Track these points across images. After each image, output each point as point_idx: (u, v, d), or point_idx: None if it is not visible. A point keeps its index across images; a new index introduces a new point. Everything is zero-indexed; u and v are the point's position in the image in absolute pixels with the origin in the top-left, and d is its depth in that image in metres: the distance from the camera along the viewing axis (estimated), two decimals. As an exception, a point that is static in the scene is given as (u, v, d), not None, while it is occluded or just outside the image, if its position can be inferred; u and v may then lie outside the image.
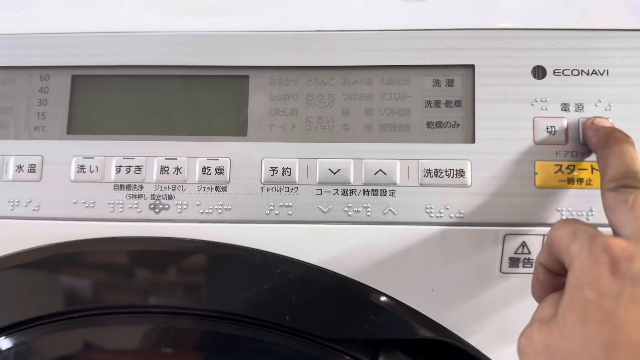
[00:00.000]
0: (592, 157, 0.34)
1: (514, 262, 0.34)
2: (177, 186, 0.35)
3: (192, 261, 0.36)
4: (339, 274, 0.35)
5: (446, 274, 0.35)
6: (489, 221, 0.34)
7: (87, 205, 0.35)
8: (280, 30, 0.36)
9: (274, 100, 0.36)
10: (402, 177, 0.34)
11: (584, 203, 0.34)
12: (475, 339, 0.36)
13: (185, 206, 0.35)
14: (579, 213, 0.34)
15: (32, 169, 0.36)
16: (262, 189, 0.35)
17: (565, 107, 0.35)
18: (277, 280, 0.35)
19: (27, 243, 0.36)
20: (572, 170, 0.34)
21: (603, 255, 0.23)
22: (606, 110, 0.34)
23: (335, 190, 0.35)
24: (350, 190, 0.35)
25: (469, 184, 0.34)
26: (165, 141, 0.36)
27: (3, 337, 0.38)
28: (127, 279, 0.36)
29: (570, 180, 0.34)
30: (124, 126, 0.36)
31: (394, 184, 0.34)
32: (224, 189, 0.35)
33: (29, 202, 0.36)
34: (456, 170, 0.34)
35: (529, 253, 0.34)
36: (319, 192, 0.35)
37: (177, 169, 0.35)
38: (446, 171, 0.34)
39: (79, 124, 0.37)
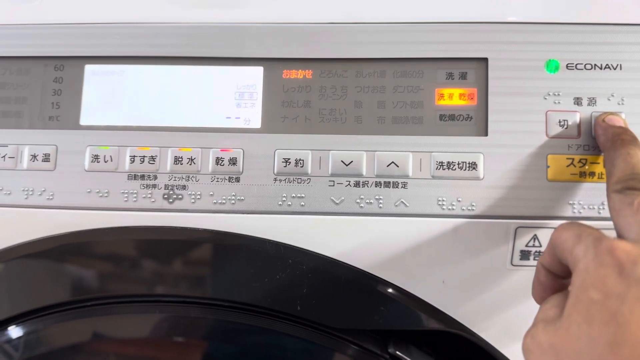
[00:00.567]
0: (605, 151, 0.34)
1: (525, 255, 0.35)
2: (190, 176, 0.36)
3: (205, 251, 0.36)
4: (351, 265, 0.35)
5: (457, 266, 0.35)
6: (500, 214, 0.34)
7: (101, 194, 0.36)
8: (293, 22, 0.37)
9: (287, 92, 0.36)
10: (415, 170, 0.35)
11: (595, 197, 0.34)
12: (485, 332, 0.36)
13: (198, 196, 0.35)
14: (591, 207, 0.34)
15: (46, 158, 0.36)
16: (275, 180, 0.35)
17: (577, 101, 0.35)
18: (289, 271, 0.35)
19: (41, 232, 0.36)
20: (584, 164, 0.34)
21: (608, 257, 0.23)
22: (619, 104, 0.34)
23: (348, 182, 0.35)
24: (363, 182, 0.35)
25: (482, 176, 0.34)
26: (179, 132, 0.36)
27: (14, 326, 0.38)
28: (139, 268, 0.37)
29: (583, 174, 0.34)
30: (138, 117, 0.37)
31: (406, 176, 0.35)
32: (237, 179, 0.35)
33: (43, 191, 0.36)
34: (469, 163, 0.34)
35: (540, 246, 0.34)
36: (332, 183, 0.35)
37: (191, 160, 0.36)
38: (459, 164, 0.34)
39: (93, 113, 0.37)
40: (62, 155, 0.36)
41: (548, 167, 0.34)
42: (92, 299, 0.37)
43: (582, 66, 0.35)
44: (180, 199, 0.35)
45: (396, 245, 0.35)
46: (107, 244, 0.37)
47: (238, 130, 0.36)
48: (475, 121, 0.35)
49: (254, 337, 0.36)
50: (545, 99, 0.35)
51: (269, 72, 0.37)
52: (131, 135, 0.36)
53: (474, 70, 0.35)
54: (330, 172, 0.35)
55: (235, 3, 0.37)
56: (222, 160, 0.36)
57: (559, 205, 0.34)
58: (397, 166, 0.35)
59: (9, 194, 0.36)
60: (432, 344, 0.39)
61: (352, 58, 0.36)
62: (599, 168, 0.34)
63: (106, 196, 0.36)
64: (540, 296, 0.30)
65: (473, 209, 0.34)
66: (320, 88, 0.36)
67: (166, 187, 0.36)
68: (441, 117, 0.35)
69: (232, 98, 0.37)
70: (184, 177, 0.36)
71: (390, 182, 0.35)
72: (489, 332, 0.36)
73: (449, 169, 0.34)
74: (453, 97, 0.35)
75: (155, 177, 0.36)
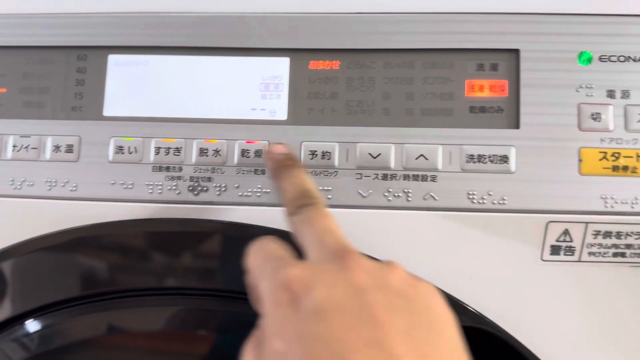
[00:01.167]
0: (638, 145, 0.33)
1: (555, 250, 0.34)
2: (216, 168, 0.35)
3: (231, 244, 0.36)
4: (378, 259, 0.34)
5: (486, 261, 0.34)
6: (532, 208, 0.33)
7: (125, 186, 0.35)
8: (320, 12, 0.36)
9: (313, 83, 0.36)
10: (444, 163, 0.34)
11: (628, 191, 0.33)
12: (513, 328, 0.35)
13: (224, 188, 0.35)
14: (624, 201, 0.33)
15: (69, 149, 0.36)
16: (302, 172, 0.35)
17: (610, 94, 0.34)
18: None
19: (64, 223, 0.36)
20: (617, 158, 0.33)
21: (283, 293, 0.20)
22: (653, 97, 0.34)
23: (375, 175, 0.34)
24: (391, 175, 0.34)
25: (513, 170, 0.33)
26: (204, 123, 0.36)
27: (31, 319, 0.38)
28: (163, 260, 0.36)
29: (615, 168, 0.33)
30: (163, 108, 0.36)
31: (436, 169, 0.34)
32: (263, 172, 0.35)
33: (67, 182, 0.36)
34: (500, 156, 0.34)
35: (571, 241, 0.34)
36: (359, 176, 0.35)
37: (216, 152, 0.35)
38: (489, 157, 0.34)
39: (117, 104, 0.37)
40: (85, 146, 0.36)
41: (580, 160, 0.33)
42: (116, 291, 0.37)
43: (615, 58, 0.34)
44: (206, 191, 0.35)
45: (424, 239, 0.34)
46: (132, 236, 0.36)
47: (264, 122, 0.36)
48: (507, 113, 0.34)
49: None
50: (578, 91, 0.34)
51: (295, 63, 0.36)
52: (156, 126, 0.36)
53: (505, 61, 0.35)
54: (357, 165, 0.35)
55: (261, -8, 0.37)
56: (248, 152, 0.35)
57: (591, 200, 0.33)
58: (427, 159, 0.34)
59: (32, 185, 0.36)
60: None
61: (380, 49, 0.35)
62: (632, 162, 0.33)
63: (131, 188, 0.35)
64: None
65: (504, 203, 0.33)
66: (348, 79, 0.36)
67: (191, 179, 0.35)
68: (471, 109, 0.35)
69: (258, 89, 0.36)
70: (210, 169, 0.35)
71: (419, 175, 0.34)
72: (517, 328, 0.36)
73: (479, 162, 0.34)
74: (484, 88, 0.35)
75: (181, 169, 0.35)
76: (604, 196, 0.33)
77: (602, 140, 0.34)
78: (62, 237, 0.37)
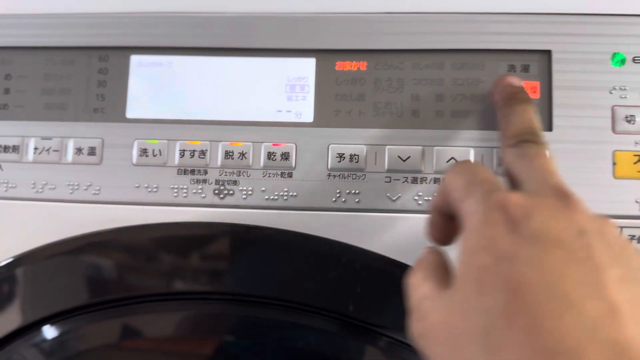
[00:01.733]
0: (674, 148, 0.33)
1: (588, 254, 0.33)
2: (242, 171, 0.34)
3: (257, 248, 0.35)
4: (408, 264, 0.34)
5: (517, 265, 0.34)
6: (565, 212, 0.33)
7: (150, 189, 0.35)
8: (347, 12, 0.35)
9: (340, 84, 0.35)
10: (476, 166, 0.33)
11: (664, 195, 0.33)
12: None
13: (250, 192, 0.34)
14: (659, 205, 0.33)
15: (92, 152, 0.35)
16: (329, 175, 0.34)
17: (645, 96, 0.33)
18: (342, 269, 0.34)
19: (87, 227, 0.35)
20: (653, 161, 0.33)
21: (498, 213, 0.20)
22: (688, 99, 0.33)
23: (405, 178, 0.34)
24: (421, 178, 0.34)
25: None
26: (229, 126, 0.35)
27: (48, 326, 0.38)
28: (185, 264, 0.36)
29: (650, 172, 0.33)
30: (187, 110, 0.35)
31: (467, 173, 0.33)
32: (290, 175, 0.34)
33: (89, 185, 0.35)
34: (533, 159, 0.33)
35: (605, 246, 0.33)
36: (388, 179, 0.34)
37: (242, 154, 0.34)
38: (522, 160, 0.33)
39: (140, 106, 0.36)
40: (108, 148, 0.35)
41: (614, 164, 0.33)
42: (137, 296, 0.37)
43: (649, 59, 0.33)
44: (232, 194, 0.34)
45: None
46: (156, 240, 0.36)
47: (290, 124, 0.35)
48: (539, 116, 0.33)
49: (313, 337, 0.35)
50: (611, 93, 0.33)
51: (321, 64, 0.35)
52: (180, 128, 0.35)
53: (536, 62, 0.34)
54: (386, 168, 0.34)
55: (287, -8, 0.36)
56: (274, 155, 0.34)
57: (626, 204, 0.33)
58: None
59: (53, 188, 0.35)
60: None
61: (409, 49, 0.35)
62: (668, 165, 0.33)
63: (155, 191, 0.35)
64: (437, 235, 0.27)
65: (537, 207, 0.33)
66: (375, 80, 0.35)
67: (217, 182, 0.34)
68: (503, 111, 0.34)
69: (283, 91, 0.35)
70: (235, 172, 0.34)
71: (450, 178, 0.33)
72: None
73: (511, 165, 0.33)
74: (515, 90, 0.34)
75: (206, 172, 0.35)
76: (639, 200, 0.33)
77: (636, 143, 0.33)
78: (80, 241, 0.36)
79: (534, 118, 0.28)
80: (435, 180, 0.34)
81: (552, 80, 0.34)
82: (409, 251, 0.34)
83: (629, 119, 0.33)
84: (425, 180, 0.34)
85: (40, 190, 0.36)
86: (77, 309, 0.37)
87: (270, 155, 0.34)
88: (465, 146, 0.34)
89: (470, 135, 0.34)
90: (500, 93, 0.32)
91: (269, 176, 0.34)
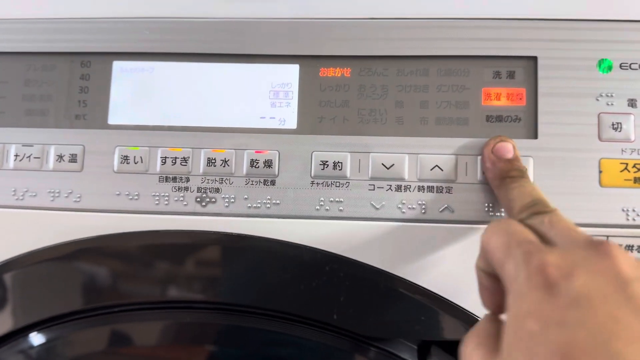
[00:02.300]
0: (661, 156, 0.32)
1: (574, 263, 0.33)
2: (224, 179, 0.34)
3: (238, 256, 0.35)
4: (391, 273, 0.34)
5: (502, 274, 0.33)
6: (550, 221, 0.32)
7: (130, 197, 0.34)
8: (331, 18, 0.35)
9: (324, 91, 0.35)
10: (460, 174, 0.33)
11: (651, 204, 0.32)
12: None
13: (232, 200, 0.34)
14: (646, 214, 0.32)
15: (73, 158, 0.35)
16: (312, 183, 0.34)
17: (632, 103, 0.33)
18: (326, 278, 0.34)
19: (67, 235, 0.35)
20: (639, 170, 0.32)
21: (539, 277, 0.20)
22: (675, 106, 0.33)
23: (389, 186, 0.33)
24: (405, 186, 0.33)
25: (531, 181, 0.32)
26: (212, 132, 0.34)
27: (36, 332, 0.37)
28: (169, 273, 0.35)
29: (637, 180, 0.32)
30: (169, 116, 0.35)
31: (452, 181, 0.33)
32: (273, 182, 0.34)
33: (70, 192, 0.35)
34: (518, 167, 0.32)
35: (591, 255, 0.33)
36: (372, 187, 0.33)
37: (225, 162, 0.34)
38: (507, 168, 0.33)
39: (122, 112, 0.35)
40: (89, 155, 0.35)
41: (601, 172, 0.32)
42: (120, 304, 0.36)
43: (636, 66, 0.33)
44: (214, 202, 0.34)
45: (441, 253, 0.33)
46: (137, 249, 0.35)
47: (273, 131, 0.34)
48: (524, 123, 0.33)
49: (291, 348, 0.35)
50: (598, 100, 0.33)
51: (305, 70, 0.35)
52: (162, 135, 0.35)
53: (522, 69, 0.34)
54: (370, 176, 0.33)
55: (270, -3, 0.36)
56: (257, 163, 0.34)
57: (612, 213, 0.32)
58: (442, 170, 0.33)
59: (34, 195, 0.35)
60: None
61: (393, 55, 0.34)
62: (655, 173, 0.32)
63: (136, 199, 0.34)
64: (491, 301, 0.26)
65: (522, 216, 0.32)
66: (359, 87, 0.35)
67: (199, 189, 0.34)
68: (488, 118, 0.33)
69: (267, 97, 0.35)
70: (218, 179, 0.34)
71: (434, 186, 0.33)
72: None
73: (496, 173, 0.33)
74: (500, 97, 0.34)
75: (188, 180, 0.34)
76: (625, 209, 0.32)
77: (623, 150, 0.33)
78: (66, 249, 0.36)
79: (535, 189, 0.28)
80: (419, 188, 0.33)
81: (538, 87, 0.33)
82: (393, 259, 0.34)
83: (616, 127, 0.33)
84: (409, 188, 0.33)
85: (21, 197, 0.35)
86: (62, 316, 0.37)
87: (253, 163, 0.34)
88: (450, 154, 0.33)
89: (454, 143, 0.33)
90: (491, 170, 0.31)
91: (252, 184, 0.34)
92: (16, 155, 0.35)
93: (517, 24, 0.34)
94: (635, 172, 0.32)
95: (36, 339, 0.37)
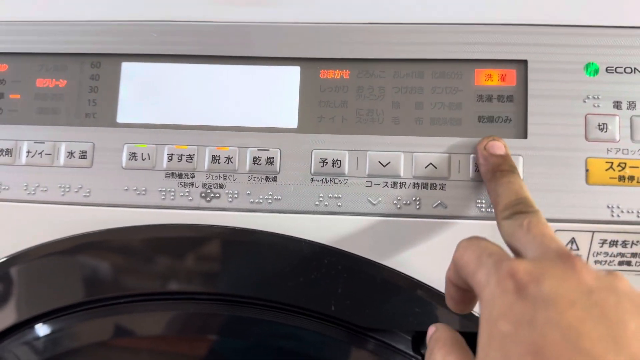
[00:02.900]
0: (644, 155, 0.34)
1: (562, 258, 0.34)
2: (228, 175, 0.36)
3: (240, 250, 0.36)
4: (387, 266, 0.35)
5: (493, 268, 0.35)
6: (539, 217, 0.34)
7: (138, 192, 0.36)
8: (331, 22, 0.36)
9: (324, 92, 0.36)
10: (453, 171, 0.34)
11: (635, 201, 0.34)
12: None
13: (236, 195, 0.35)
14: (629, 211, 0.34)
15: (83, 155, 0.37)
16: (312, 180, 0.35)
17: (617, 105, 0.34)
18: (324, 271, 0.35)
19: (78, 228, 0.36)
20: (624, 168, 0.34)
21: (510, 281, 0.21)
22: (659, 108, 0.34)
23: (385, 183, 0.35)
24: (400, 183, 0.35)
25: (521, 179, 0.34)
26: (217, 131, 0.36)
27: (41, 324, 0.39)
28: (173, 265, 0.37)
29: (622, 178, 0.34)
30: (176, 115, 0.37)
31: (445, 178, 0.34)
32: (274, 179, 0.35)
33: (80, 188, 0.36)
34: (508, 166, 0.34)
35: (578, 249, 0.34)
36: (369, 184, 0.35)
37: (228, 159, 0.36)
38: (498, 166, 0.34)
39: (130, 111, 0.37)
40: (99, 152, 0.37)
41: (587, 170, 0.34)
42: (126, 296, 0.38)
43: (622, 70, 0.35)
44: (218, 197, 0.36)
45: (434, 247, 0.34)
46: (144, 242, 0.37)
47: (275, 130, 0.36)
48: (515, 123, 0.35)
49: (291, 338, 0.36)
50: (585, 102, 0.35)
51: (306, 72, 0.37)
52: (169, 133, 0.36)
53: (513, 72, 0.35)
54: (367, 173, 0.35)
55: (273, 2, 0.37)
56: (260, 160, 0.36)
57: (598, 209, 0.34)
58: (436, 168, 0.35)
59: (45, 190, 0.37)
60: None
61: (390, 58, 0.36)
62: (638, 172, 0.34)
63: (144, 194, 0.36)
64: (454, 308, 0.28)
65: (512, 212, 0.34)
66: (358, 88, 0.36)
67: (204, 185, 0.36)
68: (480, 118, 0.35)
69: (269, 98, 0.37)
70: (222, 175, 0.36)
71: (428, 183, 0.35)
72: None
73: (488, 171, 0.34)
74: (492, 98, 0.35)
75: (193, 176, 0.36)
76: (610, 206, 0.34)
77: (608, 150, 0.34)
78: (72, 242, 0.37)
79: (522, 187, 0.30)
80: (414, 185, 0.35)
81: (528, 89, 0.35)
82: (389, 253, 0.35)
83: (602, 127, 0.34)
84: (405, 185, 0.35)
85: (33, 192, 0.37)
86: (68, 308, 0.38)
87: (255, 160, 0.36)
88: (443, 152, 0.35)
89: (448, 142, 0.35)
90: (484, 165, 0.33)
91: (254, 180, 0.36)
92: (28, 152, 0.37)
93: (509, 29, 0.35)
94: (619, 170, 0.34)
95: (42, 329, 0.39)
